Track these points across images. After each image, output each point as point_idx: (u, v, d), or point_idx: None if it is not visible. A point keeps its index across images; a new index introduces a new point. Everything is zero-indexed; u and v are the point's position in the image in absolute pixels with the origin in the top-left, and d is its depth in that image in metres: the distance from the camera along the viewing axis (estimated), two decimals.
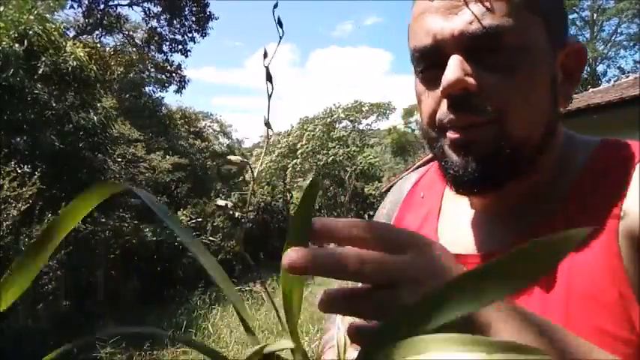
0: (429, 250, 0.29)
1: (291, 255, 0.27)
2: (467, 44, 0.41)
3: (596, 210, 0.42)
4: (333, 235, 0.30)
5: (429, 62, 0.45)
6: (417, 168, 0.69)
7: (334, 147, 19.84)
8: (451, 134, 0.44)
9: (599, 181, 0.44)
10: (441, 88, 0.42)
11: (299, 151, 20.39)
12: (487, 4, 0.41)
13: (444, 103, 0.43)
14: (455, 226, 0.53)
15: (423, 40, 0.44)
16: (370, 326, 0.30)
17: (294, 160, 21.22)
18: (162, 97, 15.16)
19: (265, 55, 0.29)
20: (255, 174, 0.32)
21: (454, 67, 0.41)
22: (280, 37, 0.29)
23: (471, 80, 0.41)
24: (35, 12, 6.30)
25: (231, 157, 0.33)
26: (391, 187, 0.72)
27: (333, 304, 0.30)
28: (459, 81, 0.41)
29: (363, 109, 22.80)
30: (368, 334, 0.29)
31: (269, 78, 0.30)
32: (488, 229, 0.49)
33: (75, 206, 0.27)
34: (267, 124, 0.31)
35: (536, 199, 0.46)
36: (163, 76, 15.09)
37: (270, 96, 0.30)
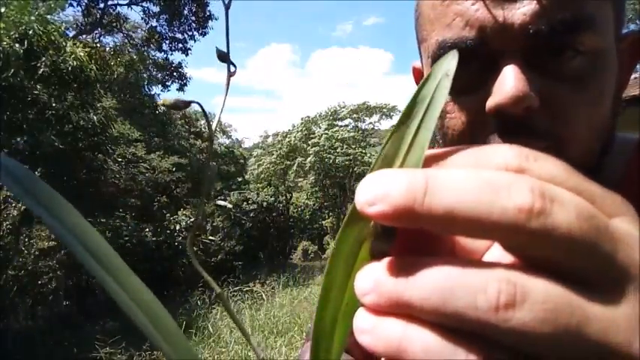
0: None
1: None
2: (530, 44, 0.31)
3: None
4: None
5: (466, 63, 0.33)
6: None
7: (338, 148, 19.82)
8: None
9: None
10: (491, 104, 0.31)
11: (312, 148, 20.29)
12: None
13: (490, 123, 0.32)
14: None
15: (461, 33, 0.32)
16: None
17: (299, 159, 21.21)
18: (160, 95, 15.14)
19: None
20: (215, 125, 0.24)
21: (515, 79, 0.30)
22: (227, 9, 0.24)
23: (535, 98, 0.31)
24: (37, 13, 6.30)
25: (166, 100, 0.25)
26: None
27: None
28: (522, 98, 0.30)
29: (369, 109, 22.80)
30: None
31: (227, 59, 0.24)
32: None
33: None
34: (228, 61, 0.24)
35: None
36: (165, 76, 15.10)
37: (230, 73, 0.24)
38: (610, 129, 0.36)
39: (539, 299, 0.13)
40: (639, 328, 0.13)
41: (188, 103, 0.25)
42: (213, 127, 0.24)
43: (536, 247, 0.13)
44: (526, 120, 0.31)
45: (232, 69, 0.24)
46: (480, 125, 0.33)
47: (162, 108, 15.78)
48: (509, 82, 0.30)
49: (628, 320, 0.13)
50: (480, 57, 0.32)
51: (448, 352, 0.13)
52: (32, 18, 6.12)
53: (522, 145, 0.30)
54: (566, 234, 0.13)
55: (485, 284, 0.13)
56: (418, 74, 0.45)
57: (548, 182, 0.14)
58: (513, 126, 0.31)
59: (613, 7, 0.33)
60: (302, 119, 22.78)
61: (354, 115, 23.34)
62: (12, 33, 5.98)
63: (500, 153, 0.15)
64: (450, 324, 0.13)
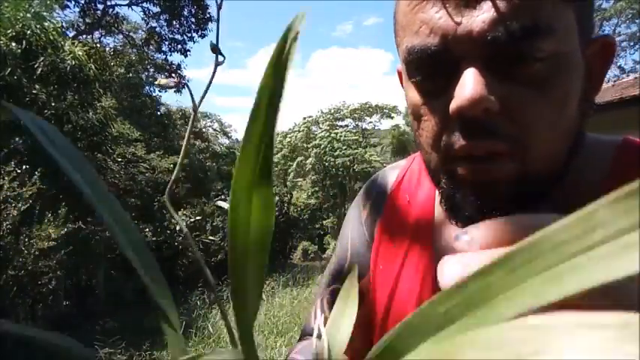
0: None
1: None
2: (489, 50, 0.32)
3: None
4: None
5: (431, 69, 0.35)
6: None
7: (338, 150, 19.78)
8: (464, 169, 0.34)
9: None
10: (453, 107, 0.33)
11: (312, 150, 20.24)
12: None
13: (454, 124, 0.34)
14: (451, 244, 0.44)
15: (426, 40, 0.34)
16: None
17: (299, 158, 21.15)
18: (160, 96, 15.14)
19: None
20: (199, 102, 0.25)
21: (473, 82, 0.32)
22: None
23: (493, 100, 0.32)
24: (32, 10, 6.29)
25: (161, 80, 0.28)
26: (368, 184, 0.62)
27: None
28: (479, 100, 0.31)
29: (370, 109, 22.79)
30: None
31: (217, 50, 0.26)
32: None
33: None
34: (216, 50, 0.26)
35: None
36: (163, 76, 15.07)
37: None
38: (577, 131, 0.37)
39: None
40: None
41: (178, 83, 0.27)
42: (198, 102, 0.27)
43: None
44: (487, 123, 0.33)
45: (221, 59, 0.26)
46: (446, 127, 0.35)
47: (163, 109, 15.78)
48: (467, 86, 0.32)
49: None
50: (444, 63, 0.34)
51: None
52: (28, 15, 6.11)
53: (484, 147, 0.30)
54: None
55: None
56: (400, 76, 0.46)
57: None
58: (475, 128, 0.33)
59: (575, 13, 0.34)
60: (304, 119, 22.76)
61: (355, 115, 23.32)
62: (9, 31, 5.98)
63: None
64: None
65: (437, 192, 0.48)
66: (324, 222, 19.77)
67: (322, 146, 19.96)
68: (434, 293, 0.33)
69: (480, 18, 0.32)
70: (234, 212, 0.18)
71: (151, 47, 14.06)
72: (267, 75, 0.17)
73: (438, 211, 0.49)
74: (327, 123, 21.71)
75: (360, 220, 0.58)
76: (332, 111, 22.38)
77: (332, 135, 20.21)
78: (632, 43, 19.88)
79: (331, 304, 0.52)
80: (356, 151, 20.17)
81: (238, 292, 0.19)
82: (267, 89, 0.17)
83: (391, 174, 0.58)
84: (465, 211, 0.35)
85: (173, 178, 0.28)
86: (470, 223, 0.30)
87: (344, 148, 19.76)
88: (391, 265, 0.50)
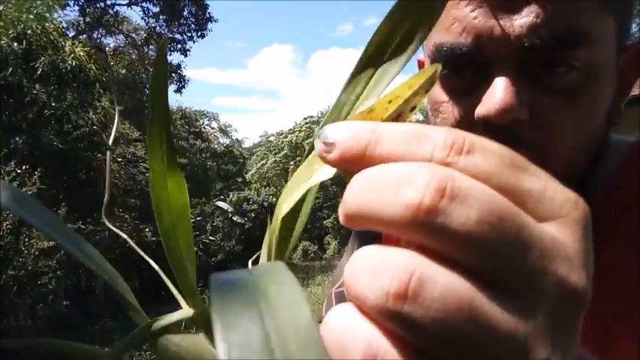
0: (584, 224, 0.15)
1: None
2: (524, 56, 0.31)
3: (627, 234, 0.34)
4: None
5: (460, 68, 0.34)
6: None
7: None
8: None
9: (629, 199, 0.35)
10: (480, 113, 0.32)
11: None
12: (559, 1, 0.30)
13: (477, 128, 0.33)
14: None
15: (458, 39, 0.33)
16: None
17: (299, 158, 21.15)
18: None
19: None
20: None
21: (504, 92, 0.31)
22: None
23: (523, 110, 0.31)
24: (35, 11, 6.30)
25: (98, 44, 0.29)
26: None
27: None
28: (509, 110, 0.31)
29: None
30: None
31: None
32: None
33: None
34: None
35: None
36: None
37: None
38: (602, 140, 0.36)
39: (436, 291, 0.12)
40: (542, 343, 0.13)
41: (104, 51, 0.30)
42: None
43: (432, 244, 0.13)
44: (513, 131, 0.32)
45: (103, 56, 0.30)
46: (468, 126, 0.34)
47: None
48: (497, 94, 0.31)
49: (531, 333, 0.13)
50: (474, 63, 0.33)
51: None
52: (30, 16, 6.12)
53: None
54: (461, 234, 0.12)
55: (386, 273, 0.13)
56: (422, 66, 0.46)
57: (472, 176, 0.14)
58: (499, 135, 0.31)
59: (615, 20, 0.32)
60: (304, 119, 22.79)
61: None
62: (10, 32, 5.98)
63: (432, 141, 0.14)
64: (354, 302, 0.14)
65: None
66: (324, 222, 19.78)
67: None
68: None
69: (518, 22, 0.30)
70: (155, 193, 0.21)
71: (151, 47, 14.07)
72: (151, 87, 0.22)
73: None
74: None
75: None
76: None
77: None
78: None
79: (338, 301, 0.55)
80: None
81: (175, 259, 0.22)
82: (154, 100, 0.21)
83: None
84: None
85: (105, 201, 0.29)
86: None
87: None
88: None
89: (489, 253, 0.13)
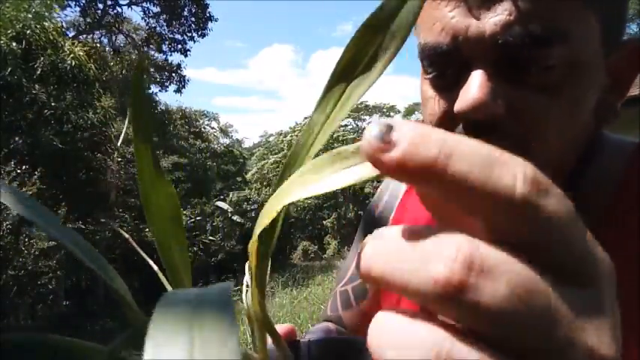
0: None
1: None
2: (499, 53, 0.32)
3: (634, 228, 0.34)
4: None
5: (443, 66, 0.35)
6: None
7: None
8: None
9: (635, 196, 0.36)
10: (457, 108, 0.33)
11: None
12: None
13: (458, 122, 0.35)
14: None
15: (438, 38, 0.34)
16: None
17: None
18: (156, 93, 15.11)
19: None
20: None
21: (478, 87, 0.32)
22: None
23: (499, 105, 0.32)
24: (33, 11, 6.30)
25: None
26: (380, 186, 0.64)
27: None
28: (481, 105, 0.32)
29: (367, 109, 22.82)
30: None
31: None
32: None
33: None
34: None
35: None
36: (163, 76, 15.10)
37: None
38: (590, 138, 0.36)
39: (504, 272, 0.12)
40: None
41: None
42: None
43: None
44: (491, 124, 0.32)
45: None
46: (450, 121, 0.35)
47: (161, 107, 15.78)
48: (471, 90, 0.32)
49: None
50: (455, 61, 0.34)
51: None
52: (29, 15, 6.12)
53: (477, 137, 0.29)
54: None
55: (441, 251, 0.13)
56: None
57: (551, 215, 0.13)
58: (478, 127, 0.33)
59: (599, 19, 0.33)
60: (304, 119, 22.76)
61: (354, 115, 23.38)
62: (9, 31, 5.98)
63: (511, 172, 0.13)
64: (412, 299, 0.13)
65: None
66: (324, 222, 19.78)
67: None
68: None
69: (492, 20, 0.31)
70: (147, 201, 0.22)
71: (151, 47, 14.07)
72: (131, 105, 0.22)
73: None
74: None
75: (375, 215, 0.59)
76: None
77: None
78: None
79: (343, 302, 0.58)
80: None
81: (169, 264, 0.23)
82: (136, 116, 0.22)
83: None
84: None
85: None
86: None
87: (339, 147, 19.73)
88: None
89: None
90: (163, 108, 16.12)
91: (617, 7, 0.35)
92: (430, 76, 0.37)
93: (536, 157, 0.31)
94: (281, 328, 0.38)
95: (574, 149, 0.35)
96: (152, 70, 15.34)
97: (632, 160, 0.38)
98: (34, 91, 6.42)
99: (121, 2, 12.77)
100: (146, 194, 0.22)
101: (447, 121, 0.35)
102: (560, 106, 0.32)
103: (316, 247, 17.86)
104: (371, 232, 0.15)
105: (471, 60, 0.33)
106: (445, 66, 0.35)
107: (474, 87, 0.32)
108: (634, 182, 0.37)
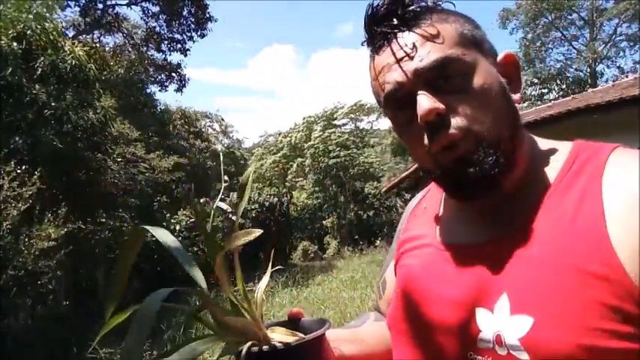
0: None
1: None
2: (425, 77, 0.52)
3: (575, 201, 0.49)
4: None
5: (400, 105, 0.54)
6: (414, 169, 0.78)
7: (335, 149, 19.76)
8: (443, 158, 0.52)
9: (575, 176, 0.52)
10: (419, 119, 0.51)
11: (307, 151, 20.26)
12: (428, 45, 0.52)
13: (424, 131, 0.52)
14: (450, 227, 0.62)
15: (390, 89, 0.54)
16: None
17: (299, 159, 21.14)
18: (154, 93, 15.10)
19: None
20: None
21: (424, 99, 0.51)
22: None
23: (440, 105, 0.51)
24: (34, 11, 6.30)
25: None
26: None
27: None
28: (432, 109, 0.50)
29: (364, 109, 22.76)
30: None
31: None
32: (478, 225, 0.58)
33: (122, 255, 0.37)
34: None
35: (515, 197, 0.55)
36: (163, 75, 15.09)
37: None
38: (512, 112, 0.54)
39: None
40: None
41: None
42: None
43: None
44: (443, 122, 0.51)
45: None
46: (422, 137, 0.53)
47: (161, 107, 15.77)
48: (422, 103, 0.51)
49: None
50: (404, 98, 0.53)
51: None
52: (30, 16, 6.12)
53: (446, 138, 0.51)
54: None
55: None
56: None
57: None
58: (436, 127, 0.51)
59: (475, 48, 0.54)
60: (304, 119, 22.74)
61: (352, 115, 23.27)
62: (10, 32, 5.98)
63: None
64: None
65: (443, 194, 0.66)
66: (324, 222, 19.77)
67: (315, 146, 19.99)
68: (436, 273, 0.59)
69: (412, 65, 0.52)
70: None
71: (151, 47, 14.06)
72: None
73: (443, 208, 0.66)
74: (322, 124, 21.70)
75: (397, 231, 0.78)
76: (327, 112, 22.35)
77: (326, 136, 20.22)
78: (631, 44, 19.87)
79: (377, 292, 0.79)
80: (352, 151, 20.16)
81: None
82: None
83: (418, 196, 0.78)
84: (463, 183, 0.52)
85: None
86: (466, 200, 0.56)
87: (337, 149, 19.73)
88: (408, 252, 0.68)
89: None
90: (163, 108, 16.10)
91: (485, 38, 0.56)
92: (397, 119, 0.56)
93: (477, 134, 0.51)
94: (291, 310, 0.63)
95: (502, 122, 0.52)
96: (152, 69, 15.31)
97: (572, 152, 0.55)
98: (34, 91, 6.42)
99: (121, 2, 12.75)
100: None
101: (420, 138, 0.53)
102: (476, 96, 0.51)
103: (316, 247, 17.85)
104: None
105: (413, 91, 0.52)
106: (401, 105, 0.54)
107: (422, 101, 0.51)
108: (574, 170, 0.52)
